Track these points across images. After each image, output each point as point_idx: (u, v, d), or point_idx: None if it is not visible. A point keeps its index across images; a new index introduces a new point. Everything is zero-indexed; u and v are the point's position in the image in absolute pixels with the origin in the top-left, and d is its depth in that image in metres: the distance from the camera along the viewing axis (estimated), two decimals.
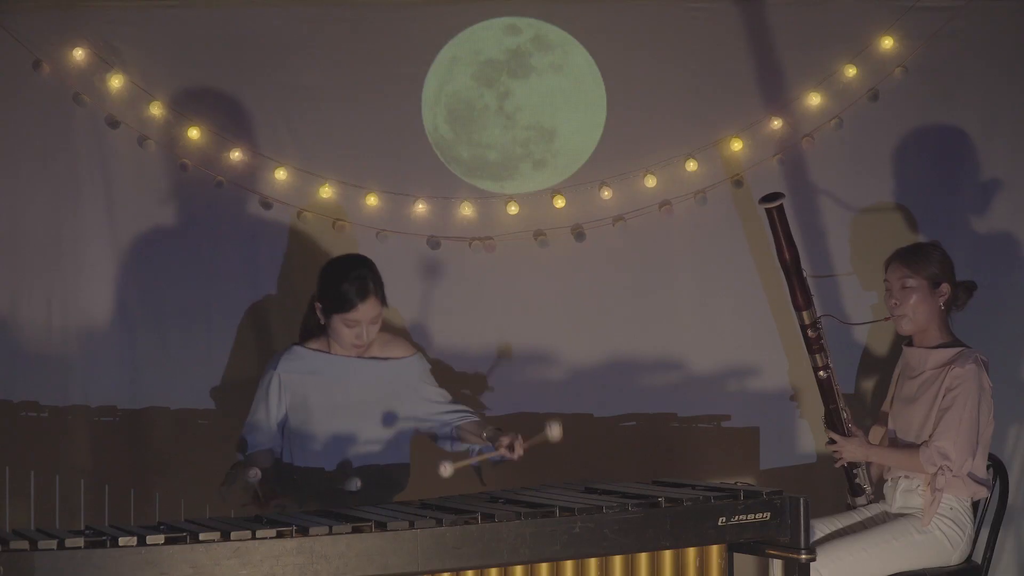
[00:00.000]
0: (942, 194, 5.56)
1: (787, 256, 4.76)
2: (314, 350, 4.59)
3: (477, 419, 4.66)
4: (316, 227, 5.48)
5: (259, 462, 4.46)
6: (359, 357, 4.58)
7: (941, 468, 4.57)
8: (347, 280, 4.48)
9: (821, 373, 4.80)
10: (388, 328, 5.27)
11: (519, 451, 4.36)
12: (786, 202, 4.70)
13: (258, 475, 4.25)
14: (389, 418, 4.56)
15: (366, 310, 4.48)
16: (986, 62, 5.54)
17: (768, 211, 4.73)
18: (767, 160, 5.53)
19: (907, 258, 4.76)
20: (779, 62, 5.53)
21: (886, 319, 4.83)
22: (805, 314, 4.78)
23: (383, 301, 4.53)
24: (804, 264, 4.72)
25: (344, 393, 4.55)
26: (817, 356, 4.79)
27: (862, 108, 5.53)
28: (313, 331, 4.64)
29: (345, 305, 4.47)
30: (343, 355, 4.58)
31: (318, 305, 4.55)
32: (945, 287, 4.73)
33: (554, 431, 4.31)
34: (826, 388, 4.80)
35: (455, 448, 4.61)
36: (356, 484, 4.33)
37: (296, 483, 4.52)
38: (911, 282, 4.72)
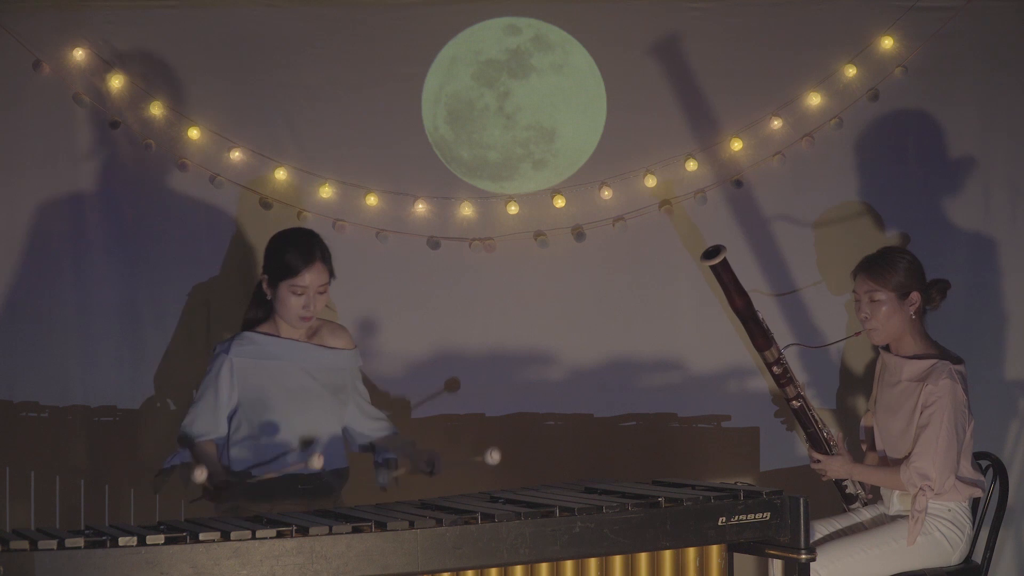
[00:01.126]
0: (940, 194, 5.56)
1: (738, 304, 4.74)
2: (264, 334, 4.51)
3: (395, 432, 4.62)
4: (318, 226, 5.47)
5: (205, 453, 4.36)
6: (308, 342, 4.52)
7: (922, 488, 4.55)
8: (293, 247, 4.44)
9: (794, 403, 4.78)
10: (389, 327, 5.28)
11: (439, 468, 4.34)
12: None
13: (204, 474, 4.12)
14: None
15: (313, 276, 4.41)
16: (985, 62, 5.54)
17: (712, 267, 4.71)
18: (767, 160, 5.53)
19: (872, 270, 4.64)
20: (779, 62, 5.52)
21: (856, 334, 4.78)
22: (767, 354, 4.77)
23: (330, 272, 4.48)
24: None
25: (299, 380, 4.48)
26: (787, 389, 4.77)
27: (862, 108, 5.53)
28: (259, 318, 4.54)
29: (291, 270, 4.40)
30: (294, 339, 4.50)
31: (264, 277, 4.47)
32: (915, 296, 4.62)
33: (493, 456, 4.25)
34: (802, 415, 4.79)
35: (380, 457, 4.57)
36: (319, 462, 4.17)
37: (260, 483, 4.39)
38: (879, 295, 4.61)
